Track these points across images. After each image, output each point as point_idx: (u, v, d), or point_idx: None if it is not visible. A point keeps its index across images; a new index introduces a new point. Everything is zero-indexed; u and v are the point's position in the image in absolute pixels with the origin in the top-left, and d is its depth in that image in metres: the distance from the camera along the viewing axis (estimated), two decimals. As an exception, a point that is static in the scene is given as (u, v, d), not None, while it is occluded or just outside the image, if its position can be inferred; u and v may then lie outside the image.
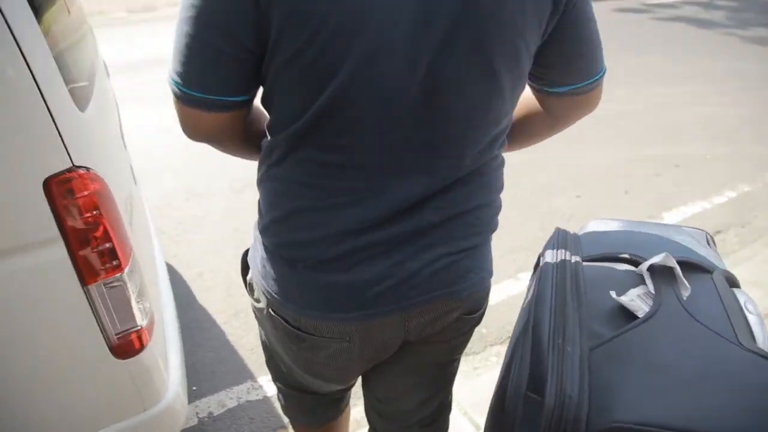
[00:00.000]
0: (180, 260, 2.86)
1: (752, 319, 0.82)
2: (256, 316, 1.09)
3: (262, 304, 1.01)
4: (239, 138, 0.94)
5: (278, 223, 0.91)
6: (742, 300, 0.85)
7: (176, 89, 0.82)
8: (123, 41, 6.85)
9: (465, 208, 0.92)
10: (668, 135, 4.48)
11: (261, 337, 1.18)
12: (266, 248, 0.95)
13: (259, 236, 0.96)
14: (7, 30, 0.91)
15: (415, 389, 1.15)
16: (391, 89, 0.77)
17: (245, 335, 2.37)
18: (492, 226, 1.01)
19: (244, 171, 3.77)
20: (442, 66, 0.77)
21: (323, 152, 0.83)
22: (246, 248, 1.08)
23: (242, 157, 1.03)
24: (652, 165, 3.91)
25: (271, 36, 0.74)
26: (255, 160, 0.99)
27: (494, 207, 1.01)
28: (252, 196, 3.59)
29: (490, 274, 1.03)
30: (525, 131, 1.11)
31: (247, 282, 1.07)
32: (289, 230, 0.90)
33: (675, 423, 0.64)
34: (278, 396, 1.29)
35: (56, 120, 0.95)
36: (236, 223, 3.17)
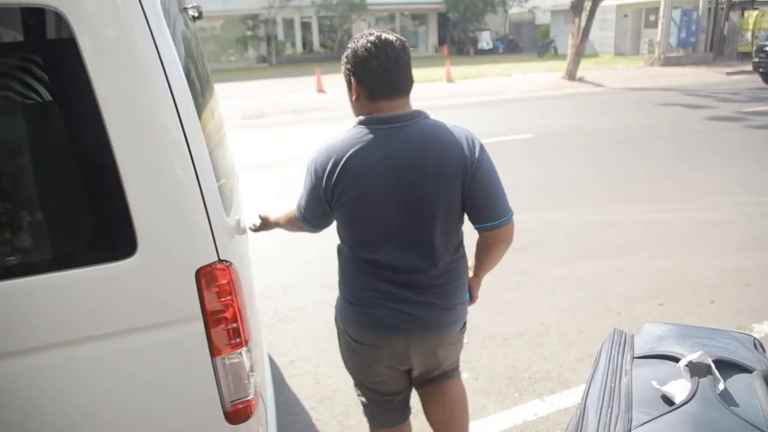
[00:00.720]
0: (274, 347, 3.12)
1: (783, 412, 0.92)
2: (338, 337, 1.88)
3: (339, 325, 1.83)
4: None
5: (343, 277, 1.78)
6: (777, 397, 0.96)
7: (299, 214, 1.78)
8: (238, 145, 7.70)
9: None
10: (760, 244, 4.38)
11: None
12: (341, 291, 1.79)
13: (339, 283, 1.80)
14: (182, 134, 1.21)
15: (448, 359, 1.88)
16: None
17: (330, 420, 2.54)
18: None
19: (333, 270, 4.09)
20: (409, 216, 1.60)
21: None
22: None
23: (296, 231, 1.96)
24: (742, 275, 3.83)
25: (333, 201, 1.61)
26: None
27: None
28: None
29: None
30: (477, 255, 1.82)
31: (335, 317, 1.88)
32: (349, 289, 1.75)
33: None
34: (360, 400, 1.95)
35: (211, 220, 1.26)
36: (327, 317, 3.40)
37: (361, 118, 1.61)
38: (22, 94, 1.21)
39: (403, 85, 1.61)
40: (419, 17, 34.13)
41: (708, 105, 11.45)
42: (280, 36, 30.44)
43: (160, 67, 1.17)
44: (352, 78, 1.61)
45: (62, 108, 1.19)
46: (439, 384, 1.89)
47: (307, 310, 3.56)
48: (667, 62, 20.40)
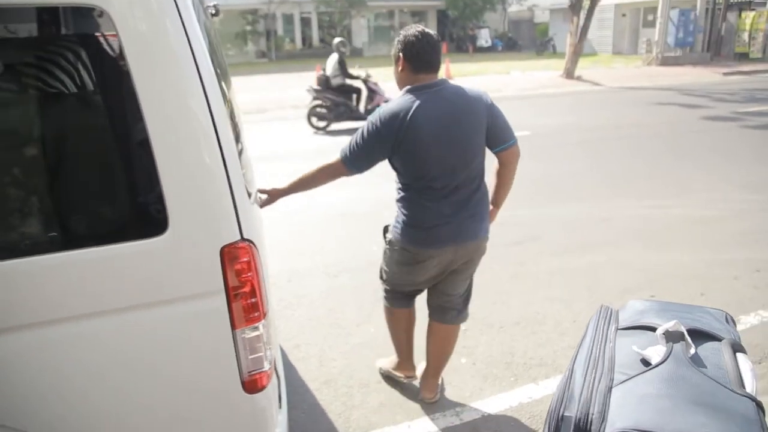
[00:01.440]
0: (280, 332, 3.24)
1: (746, 373, 1.05)
2: (386, 252, 2.50)
3: (396, 246, 2.39)
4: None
5: (410, 211, 2.31)
6: (741, 359, 1.09)
7: (345, 160, 2.29)
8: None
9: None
10: (751, 240, 4.51)
11: (382, 265, 2.56)
12: (404, 220, 2.32)
13: (401, 216, 2.34)
14: (211, 122, 1.33)
15: (463, 282, 2.54)
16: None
17: (334, 401, 2.67)
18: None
19: (338, 259, 4.21)
20: (454, 149, 2.23)
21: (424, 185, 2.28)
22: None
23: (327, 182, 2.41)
24: (732, 269, 3.97)
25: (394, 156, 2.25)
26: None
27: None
28: (345, 281, 4.01)
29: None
30: (497, 181, 2.50)
31: (386, 236, 2.48)
32: (415, 213, 2.29)
33: (664, 428, 0.89)
34: (385, 294, 2.65)
35: (236, 202, 1.38)
36: (331, 304, 3.57)
37: (409, 87, 2.23)
38: (69, 84, 1.33)
39: (437, 64, 2.29)
40: (418, 14, 34.19)
41: (704, 105, 11.60)
42: (280, 31, 30.51)
43: (192, 59, 1.29)
44: (401, 55, 2.24)
45: (104, 97, 1.31)
46: (444, 324, 2.58)
47: (311, 297, 3.68)
48: (665, 62, 20.54)
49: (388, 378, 2.82)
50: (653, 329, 1.19)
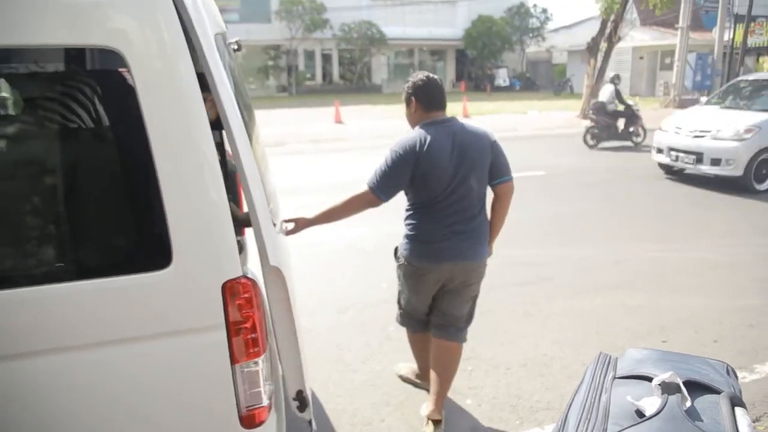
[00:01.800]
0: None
1: (743, 428, 1.03)
2: (397, 273, 2.76)
3: (402, 260, 2.67)
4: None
5: (416, 227, 2.59)
6: (739, 414, 1.07)
7: (374, 188, 2.49)
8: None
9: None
10: (766, 287, 4.43)
11: (399, 289, 2.82)
12: (409, 235, 2.61)
13: (409, 233, 2.61)
14: (216, 159, 1.38)
15: (464, 304, 2.75)
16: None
17: (336, 439, 2.64)
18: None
19: (347, 295, 4.21)
20: (461, 175, 2.51)
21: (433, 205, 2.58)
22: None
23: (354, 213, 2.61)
24: (747, 316, 3.89)
25: (416, 172, 2.48)
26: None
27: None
28: (353, 316, 3.99)
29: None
30: (492, 210, 2.69)
31: (396, 255, 2.72)
32: (419, 229, 2.58)
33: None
34: (401, 319, 2.92)
35: (262, 231, 1.41)
36: (338, 340, 3.55)
37: (422, 123, 2.55)
38: (81, 119, 1.38)
39: (444, 103, 2.62)
40: (438, 53, 34.80)
41: (721, 148, 11.52)
42: (301, 67, 31.17)
43: (199, 96, 1.34)
44: (413, 98, 2.58)
45: (115, 133, 1.36)
46: (448, 341, 2.76)
47: (318, 332, 3.67)
48: (683, 104, 20.53)
49: (406, 381, 3.11)
50: (650, 379, 1.18)
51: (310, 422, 2.12)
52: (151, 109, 1.29)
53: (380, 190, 2.50)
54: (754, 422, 2.69)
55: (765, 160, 7.62)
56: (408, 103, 2.62)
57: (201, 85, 2.24)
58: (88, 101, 1.38)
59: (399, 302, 2.89)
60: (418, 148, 2.45)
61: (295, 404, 2.02)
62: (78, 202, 1.40)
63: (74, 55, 1.33)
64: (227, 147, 1.93)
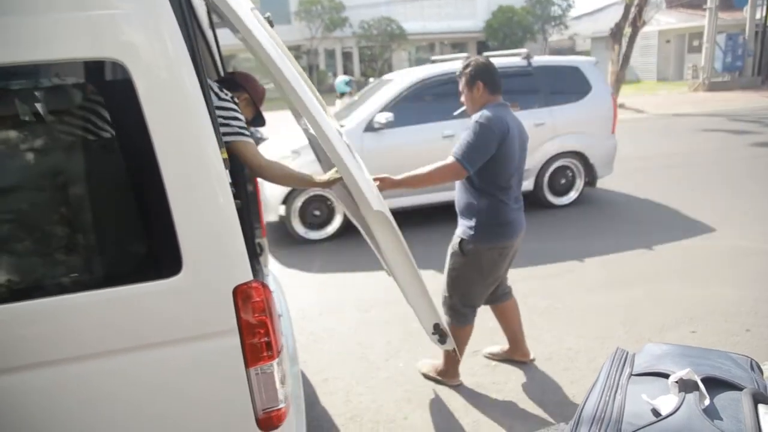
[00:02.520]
0: (308, 365, 3.25)
1: (767, 425, 0.99)
2: (463, 270, 2.81)
3: (484, 247, 2.74)
4: None
5: (493, 209, 2.72)
6: (762, 410, 1.03)
7: (462, 159, 2.60)
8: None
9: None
10: (802, 274, 4.28)
11: (462, 291, 2.85)
12: (486, 221, 2.72)
13: (484, 220, 2.71)
14: (223, 165, 1.39)
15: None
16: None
17: (359, 438, 2.64)
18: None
19: (370, 294, 4.21)
20: (521, 154, 2.76)
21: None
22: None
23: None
24: (782, 305, 3.76)
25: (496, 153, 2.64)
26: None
27: None
28: (376, 315, 3.99)
29: None
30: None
31: (464, 249, 2.77)
32: (497, 212, 2.73)
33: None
34: (461, 317, 2.89)
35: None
36: (360, 338, 3.55)
37: (491, 105, 2.66)
38: (89, 131, 1.40)
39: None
40: (459, 45, 34.47)
41: (754, 131, 11.20)
42: (322, 66, 31.25)
43: (205, 105, 1.34)
44: (479, 81, 2.68)
45: (122, 144, 1.37)
46: (509, 300, 3.11)
47: (340, 331, 3.68)
48: (712, 87, 20.02)
49: (428, 378, 3.09)
50: (667, 376, 1.14)
51: (454, 350, 2.54)
52: (155, 119, 1.30)
53: (468, 162, 2.59)
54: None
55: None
56: (471, 85, 2.70)
57: (227, 87, 2.29)
58: (94, 113, 1.39)
59: (462, 302, 2.88)
60: (504, 126, 2.59)
61: (435, 338, 2.33)
62: (88, 213, 1.43)
63: (79, 68, 1.35)
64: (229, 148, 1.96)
